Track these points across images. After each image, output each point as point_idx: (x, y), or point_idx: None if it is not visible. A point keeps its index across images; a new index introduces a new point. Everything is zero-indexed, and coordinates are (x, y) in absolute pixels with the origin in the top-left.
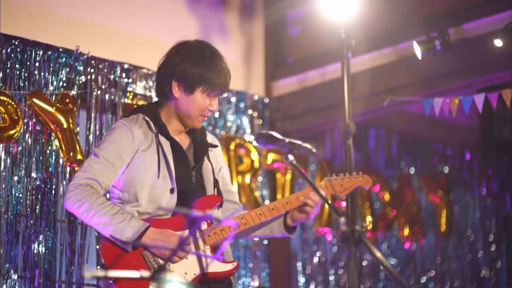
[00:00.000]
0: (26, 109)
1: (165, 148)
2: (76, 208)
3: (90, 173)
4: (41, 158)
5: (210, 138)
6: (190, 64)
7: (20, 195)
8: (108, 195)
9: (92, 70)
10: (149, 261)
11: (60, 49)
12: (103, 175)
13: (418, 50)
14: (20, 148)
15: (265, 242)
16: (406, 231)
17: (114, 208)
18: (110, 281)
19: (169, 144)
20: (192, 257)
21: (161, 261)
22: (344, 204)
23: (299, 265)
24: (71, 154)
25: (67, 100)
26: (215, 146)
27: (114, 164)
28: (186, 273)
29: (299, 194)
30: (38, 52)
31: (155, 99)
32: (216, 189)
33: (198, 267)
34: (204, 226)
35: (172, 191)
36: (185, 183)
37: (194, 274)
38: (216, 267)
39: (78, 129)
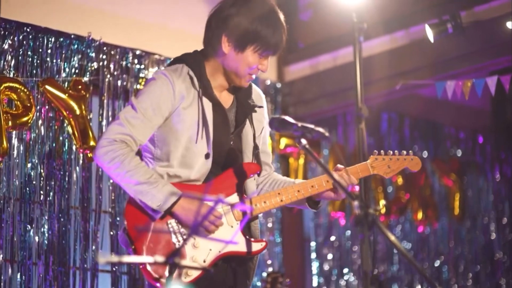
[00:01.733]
0: (39, 96)
1: (206, 109)
2: (107, 165)
3: (126, 128)
4: (54, 144)
5: (256, 95)
6: (245, 18)
7: (34, 182)
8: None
9: (104, 57)
10: (174, 232)
11: (72, 36)
12: (139, 131)
13: (430, 33)
14: (33, 135)
15: (279, 226)
16: (420, 215)
17: (148, 172)
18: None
19: (211, 105)
20: (220, 232)
21: (187, 238)
22: (357, 188)
23: (312, 249)
24: (84, 140)
25: (80, 87)
26: (260, 107)
27: (151, 120)
28: (210, 249)
29: (325, 176)
30: (50, 39)
31: None
32: (254, 156)
33: (224, 244)
34: (235, 198)
35: (207, 156)
36: (222, 148)
37: (219, 251)
38: (243, 246)
39: (90, 115)
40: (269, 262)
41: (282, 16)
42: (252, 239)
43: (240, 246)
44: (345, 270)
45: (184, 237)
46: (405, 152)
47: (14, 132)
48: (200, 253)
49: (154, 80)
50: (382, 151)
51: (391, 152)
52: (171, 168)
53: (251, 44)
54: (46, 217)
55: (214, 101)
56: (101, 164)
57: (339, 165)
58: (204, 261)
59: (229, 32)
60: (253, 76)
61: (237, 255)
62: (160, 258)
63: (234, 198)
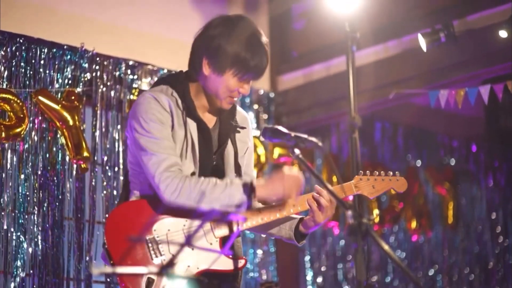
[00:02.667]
0: (32, 107)
1: (191, 128)
2: (179, 199)
3: (163, 156)
4: (47, 155)
5: (241, 117)
6: (225, 41)
7: (27, 193)
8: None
9: (97, 67)
10: (152, 248)
11: (65, 47)
12: (173, 152)
13: (423, 42)
14: (26, 146)
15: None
16: (413, 224)
17: (210, 182)
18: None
19: (195, 125)
20: (197, 250)
21: (165, 254)
22: (351, 197)
23: (307, 259)
24: (77, 151)
25: (73, 98)
26: (243, 128)
27: (169, 138)
28: (189, 266)
29: (309, 195)
30: (43, 50)
31: None
32: (237, 175)
33: (203, 261)
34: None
35: (193, 174)
36: (206, 167)
37: (198, 268)
38: (222, 263)
39: (84, 126)
40: (263, 271)
41: (264, 40)
42: (231, 256)
43: (218, 263)
44: (339, 280)
45: (163, 253)
46: (391, 173)
47: (7, 143)
48: (178, 269)
49: (146, 105)
50: (368, 171)
51: (377, 172)
52: None
53: (230, 68)
54: (40, 228)
55: (198, 121)
56: (173, 201)
57: (317, 186)
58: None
59: (209, 55)
60: (235, 99)
61: (217, 272)
62: (153, 268)
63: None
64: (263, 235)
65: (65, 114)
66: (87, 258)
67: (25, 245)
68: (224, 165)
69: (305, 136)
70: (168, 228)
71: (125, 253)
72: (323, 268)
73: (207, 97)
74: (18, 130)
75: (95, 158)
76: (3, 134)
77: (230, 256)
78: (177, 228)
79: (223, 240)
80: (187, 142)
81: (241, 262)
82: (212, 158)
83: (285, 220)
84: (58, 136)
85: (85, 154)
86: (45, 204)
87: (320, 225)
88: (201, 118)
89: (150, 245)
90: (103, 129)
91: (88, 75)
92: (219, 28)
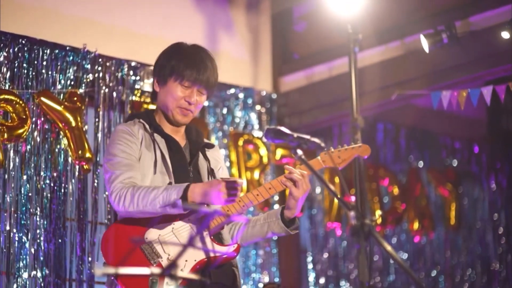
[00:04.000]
0: (34, 108)
1: (160, 145)
2: (126, 207)
3: (124, 173)
4: (49, 156)
5: (209, 143)
6: (164, 58)
7: (30, 194)
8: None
9: (99, 68)
10: (149, 254)
11: (67, 48)
12: (133, 169)
13: (425, 44)
14: (28, 147)
15: (275, 237)
16: (416, 225)
17: (149, 187)
18: (112, 278)
19: (164, 141)
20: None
21: (163, 257)
22: (353, 198)
23: (309, 260)
24: (80, 152)
25: (75, 99)
26: (211, 146)
27: (132, 157)
28: (186, 261)
29: (281, 177)
30: (45, 51)
31: None
32: None
33: (198, 253)
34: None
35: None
36: (182, 178)
37: (195, 260)
38: (217, 250)
39: (86, 127)
40: (265, 273)
41: (210, 58)
42: (224, 244)
43: (213, 252)
44: (342, 281)
45: (159, 255)
46: (353, 143)
47: (9, 145)
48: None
49: (115, 134)
50: (331, 147)
51: (340, 146)
52: None
53: (169, 76)
54: (42, 229)
55: (166, 137)
56: (122, 209)
57: (286, 166)
58: (182, 270)
59: (155, 74)
60: (186, 110)
61: (215, 261)
62: (156, 270)
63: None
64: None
65: (68, 115)
66: (90, 259)
67: (27, 246)
68: (201, 176)
69: (308, 137)
70: (158, 233)
71: (122, 258)
72: (325, 269)
73: (164, 117)
74: (20, 131)
75: (97, 159)
76: (6, 135)
77: (223, 244)
78: (167, 231)
79: (214, 235)
80: (157, 158)
81: (234, 246)
82: (187, 170)
83: (270, 217)
84: (61, 137)
85: (88, 155)
86: (48, 205)
87: (301, 202)
88: (168, 134)
89: (146, 252)
90: (106, 130)
91: (90, 76)
92: (164, 50)
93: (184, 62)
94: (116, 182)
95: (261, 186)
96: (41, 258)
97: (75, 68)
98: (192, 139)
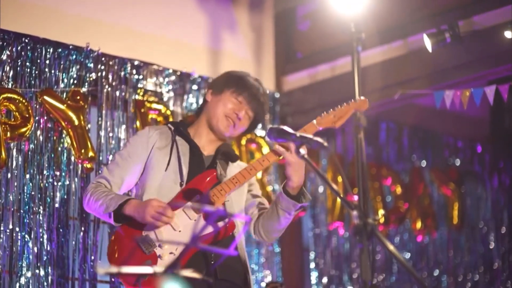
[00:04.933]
0: (37, 106)
1: (181, 148)
2: (85, 205)
3: (104, 173)
4: (52, 155)
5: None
6: (223, 76)
7: (32, 193)
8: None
9: (102, 67)
10: (143, 245)
11: (70, 47)
12: (114, 174)
13: (428, 43)
14: (31, 145)
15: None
16: (419, 224)
17: (104, 191)
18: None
19: (188, 147)
20: (183, 229)
21: (156, 247)
22: (356, 197)
23: (311, 259)
24: (83, 151)
25: (78, 97)
26: (235, 159)
27: (126, 160)
28: (176, 249)
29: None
30: (48, 50)
31: (165, 94)
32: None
33: (188, 237)
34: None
35: (181, 184)
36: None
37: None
38: (207, 230)
39: (89, 126)
40: (268, 272)
41: (261, 86)
42: (220, 222)
43: (207, 230)
44: (344, 280)
45: (152, 245)
46: (350, 101)
47: (12, 143)
48: (167, 249)
49: (135, 134)
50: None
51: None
52: (152, 196)
53: (227, 88)
54: (45, 228)
55: (191, 143)
56: (85, 208)
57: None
58: (173, 254)
59: (212, 85)
60: (232, 123)
61: (207, 243)
62: (158, 269)
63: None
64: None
65: (71, 114)
66: (92, 258)
67: (30, 244)
68: None
69: (311, 136)
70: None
71: (118, 251)
72: (328, 269)
73: (209, 127)
74: (23, 130)
75: (100, 158)
76: (9, 134)
77: (219, 223)
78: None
79: (226, 239)
80: (172, 157)
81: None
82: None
83: (276, 199)
84: (63, 136)
85: (90, 154)
86: (50, 204)
87: (298, 169)
88: (193, 140)
89: (140, 244)
90: (108, 129)
91: (93, 75)
92: (231, 73)
93: (242, 82)
94: (93, 180)
95: (255, 160)
96: (44, 257)
97: (78, 67)
98: (220, 149)
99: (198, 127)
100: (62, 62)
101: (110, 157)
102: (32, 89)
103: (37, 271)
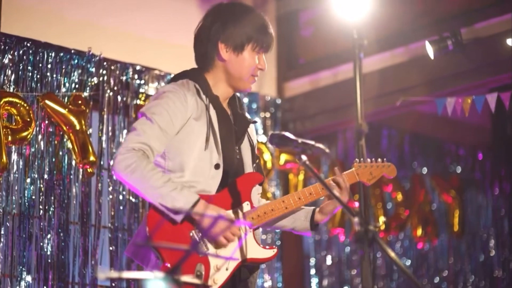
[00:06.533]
0: (39, 111)
1: (213, 119)
2: (124, 172)
3: (143, 138)
4: (53, 159)
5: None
6: (236, 25)
7: (33, 197)
8: None
9: (104, 72)
10: (196, 241)
11: (72, 51)
12: (156, 141)
13: (430, 50)
14: (32, 150)
15: (278, 242)
16: (419, 231)
17: (164, 176)
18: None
19: (216, 115)
20: (235, 242)
21: (208, 244)
22: (357, 204)
23: (312, 265)
24: (84, 155)
25: (80, 102)
26: (255, 122)
27: (167, 131)
28: (230, 258)
29: (328, 180)
30: (50, 54)
31: None
32: (256, 167)
33: (241, 252)
34: (247, 207)
35: (217, 166)
36: (229, 159)
37: (239, 259)
38: (258, 253)
39: (90, 130)
40: (268, 277)
41: (262, 14)
42: (267, 247)
43: (257, 253)
44: (345, 287)
45: (207, 246)
46: (380, 160)
47: (13, 147)
48: (222, 260)
49: (165, 93)
50: (361, 159)
51: (369, 160)
52: (184, 178)
53: (247, 43)
54: (46, 232)
55: (221, 112)
56: (118, 172)
57: (336, 168)
58: (227, 269)
59: (224, 39)
60: (255, 79)
61: (253, 262)
62: (159, 275)
63: (245, 207)
64: (268, 240)
65: (72, 118)
66: (93, 262)
67: (30, 249)
68: (244, 157)
69: (312, 142)
70: None
71: (166, 237)
72: (328, 275)
73: (228, 83)
74: (24, 134)
75: (101, 162)
76: (10, 138)
77: (265, 247)
78: None
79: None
80: (211, 133)
81: (274, 251)
82: (235, 150)
83: (297, 210)
84: (65, 140)
85: (92, 158)
86: (51, 208)
87: (337, 210)
88: (225, 109)
89: (193, 238)
90: (110, 134)
91: (95, 80)
92: (221, 15)
93: (259, 29)
94: (132, 144)
95: (301, 191)
96: (44, 261)
97: (79, 71)
98: (237, 112)
99: (215, 83)
100: (63, 67)
101: (141, 120)
102: (34, 93)
103: (37, 275)
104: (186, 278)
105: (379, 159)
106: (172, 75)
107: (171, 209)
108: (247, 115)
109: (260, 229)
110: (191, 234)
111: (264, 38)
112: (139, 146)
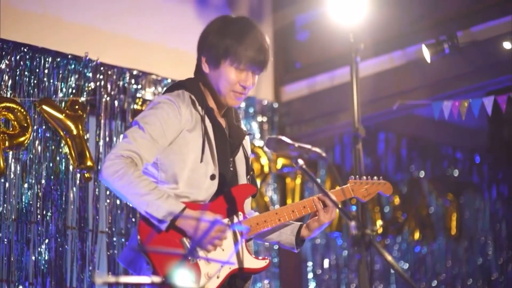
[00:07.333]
0: (36, 116)
1: (209, 131)
2: (111, 178)
3: (133, 146)
4: (51, 165)
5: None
6: (218, 35)
7: (30, 202)
8: None
9: (101, 77)
10: (187, 248)
11: (69, 56)
12: (146, 151)
13: (427, 54)
14: (30, 155)
15: (276, 246)
16: (417, 235)
17: (151, 184)
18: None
19: (211, 127)
20: (227, 250)
21: (200, 251)
22: (354, 208)
23: (309, 269)
24: (81, 160)
25: (77, 107)
26: (250, 134)
27: (158, 141)
28: (222, 266)
29: (314, 197)
30: (47, 59)
31: None
32: (249, 178)
33: (235, 261)
34: (240, 217)
35: (213, 177)
36: (224, 170)
37: (230, 268)
38: (250, 262)
39: (87, 135)
40: (266, 282)
41: (263, 36)
42: (260, 257)
43: (249, 263)
44: None
45: (198, 253)
46: (376, 178)
47: (10, 152)
48: (213, 268)
49: (160, 104)
50: (357, 176)
51: (365, 177)
52: (178, 189)
53: (224, 59)
54: (43, 237)
55: (216, 123)
56: (105, 177)
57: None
58: (218, 277)
59: (205, 52)
60: (240, 94)
61: (246, 272)
62: (156, 279)
63: (239, 216)
64: (266, 244)
65: (69, 123)
66: (90, 268)
67: (28, 254)
68: (238, 169)
69: (309, 146)
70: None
71: (162, 255)
72: (326, 279)
73: (214, 99)
74: (21, 139)
75: (99, 167)
76: (7, 143)
77: (257, 257)
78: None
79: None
80: (206, 144)
81: (266, 262)
82: (229, 162)
83: (285, 225)
84: (62, 145)
85: (89, 163)
86: (49, 213)
87: (323, 228)
88: (219, 121)
89: (185, 246)
90: (107, 139)
91: (92, 85)
92: (213, 25)
93: (240, 42)
94: (121, 151)
95: (295, 203)
96: (42, 267)
97: (76, 76)
98: (232, 124)
99: (208, 94)
100: (60, 72)
101: (133, 128)
102: (31, 99)
103: (34, 280)
104: (202, 279)
105: (375, 177)
106: (169, 80)
107: (155, 217)
108: (242, 126)
109: (252, 241)
110: (181, 241)
111: (246, 54)
112: (128, 153)
